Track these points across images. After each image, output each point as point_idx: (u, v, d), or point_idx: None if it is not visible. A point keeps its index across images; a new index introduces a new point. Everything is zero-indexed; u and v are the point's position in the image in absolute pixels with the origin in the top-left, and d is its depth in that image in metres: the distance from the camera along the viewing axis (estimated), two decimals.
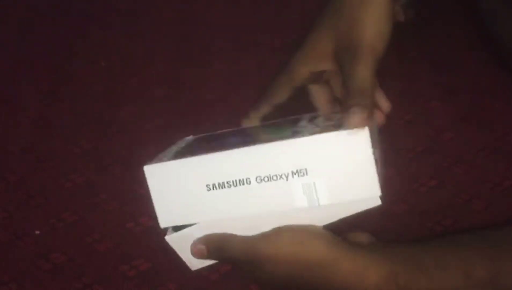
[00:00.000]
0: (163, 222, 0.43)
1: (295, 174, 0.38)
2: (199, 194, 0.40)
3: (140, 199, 0.60)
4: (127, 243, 0.56)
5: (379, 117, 0.46)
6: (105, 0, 0.85)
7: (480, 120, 0.66)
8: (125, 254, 0.55)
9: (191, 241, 0.42)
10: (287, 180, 0.39)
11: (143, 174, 0.42)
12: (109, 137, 0.66)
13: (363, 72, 0.42)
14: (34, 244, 0.56)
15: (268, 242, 0.39)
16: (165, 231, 0.43)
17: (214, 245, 0.41)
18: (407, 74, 0.71)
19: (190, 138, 0.48)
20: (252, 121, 0.47)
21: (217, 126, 0.67)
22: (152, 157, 0.43)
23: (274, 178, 0.39)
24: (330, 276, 0.38)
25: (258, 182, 0.39)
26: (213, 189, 0.40)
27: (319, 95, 0.47)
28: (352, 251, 0.39)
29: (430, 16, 0.77)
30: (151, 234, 0.57)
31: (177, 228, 0.42)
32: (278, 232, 0.40)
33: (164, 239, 0.52)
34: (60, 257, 0.55)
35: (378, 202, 0.40)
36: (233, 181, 0.39)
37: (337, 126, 0.39)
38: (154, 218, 0.58)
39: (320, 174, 0.38)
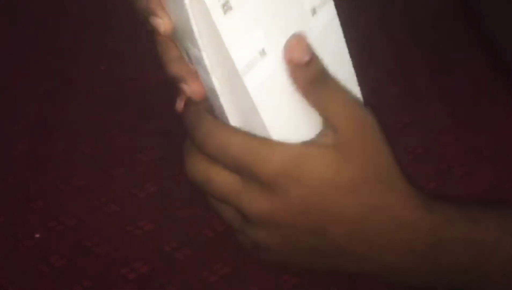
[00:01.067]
0: None
1: None
2: None
3: (139, 202, 0.60)
4: (127, 246, 0.56)
5: None
6: (105, 4, 0.85)
7: (479, 122, 0.66)
8: (125, 257, 0.55)
9: None
10: None
11: None
12: (109, 140, 0.66)
13: None
14: (34, 247, 0.56)
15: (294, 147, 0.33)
16: None
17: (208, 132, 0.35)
18: (406, 77, 0.71)
19: None
20: None
21: None
22: None
23: None
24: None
25: None
26: None
27: None
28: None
29: (429, 19, 0.77)
30: (151, 237, 0.57)
31: None
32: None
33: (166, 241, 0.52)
34: (60, 261, 0.55)
35: None
36: None
37: None
38: (153, 221, 0.58)
39: None
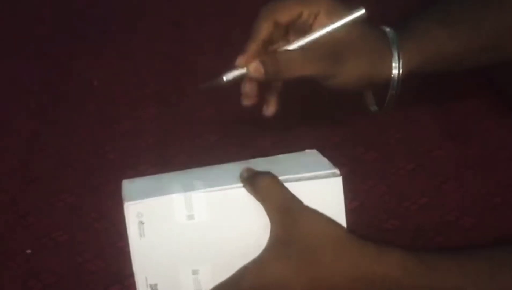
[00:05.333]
0: None
1: None
2: None
3: None
4: (118, 263, 0.55)
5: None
6: (97, 20, 0.86)
7: (469, 138, 0.67)
8: (116, 274, 0.54)
9: None
10: None
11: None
12: (101, 156, 0.66)
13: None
14: (25, 264, 0.55)
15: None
16: None
17: None
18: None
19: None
20: (247, 60, 0.44)
21: (209, 144, 0.68)
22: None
23: None
24: (350, 251, 0.38)
25: None
26: None
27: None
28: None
29: None
30: None
31: None
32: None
33: None
34: (51, 277, 0.54)
35: None
36: None
37: None
38: None
39: None
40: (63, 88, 0.75)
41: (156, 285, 0.41)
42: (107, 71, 0.78)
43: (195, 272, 0.40)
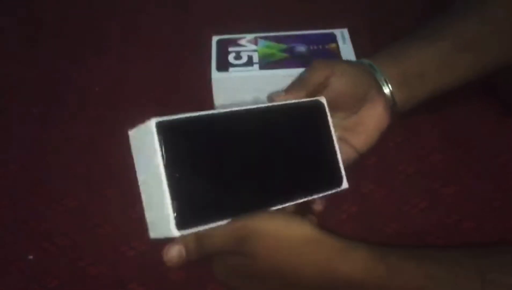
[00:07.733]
0: None
1: None
2: None
3: (133, 223, 0.60)
4: (120, 267, 0.56)
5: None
6: (99, 27, 0.86)
7: (468, 142, 0.67)
8: (118, 278, 0.55)
9: None
10: None
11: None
12: (102, 161, 0.66)
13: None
14: (27, 269, 0.56)
15: (255, 220, 0.39)
16: None
17: (192, 243, 0.40)
18: None
19: None
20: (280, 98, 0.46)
21: None
22: None
23: None
24: (314, 253, 0.38)
25: None
26: None
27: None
28: (337, 234, 0.39)
29: None
30: (145, 258, 0.57)
31: None
32: (263, 215, 0.39)
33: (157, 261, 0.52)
34: (53, 282, 0.54)
35: None
36: None
37: None
38: (147, 242, 0.58)
39: None
40: (64, 94, 0.75)
41: None
42: (109, 77, 0.78)
43: None
